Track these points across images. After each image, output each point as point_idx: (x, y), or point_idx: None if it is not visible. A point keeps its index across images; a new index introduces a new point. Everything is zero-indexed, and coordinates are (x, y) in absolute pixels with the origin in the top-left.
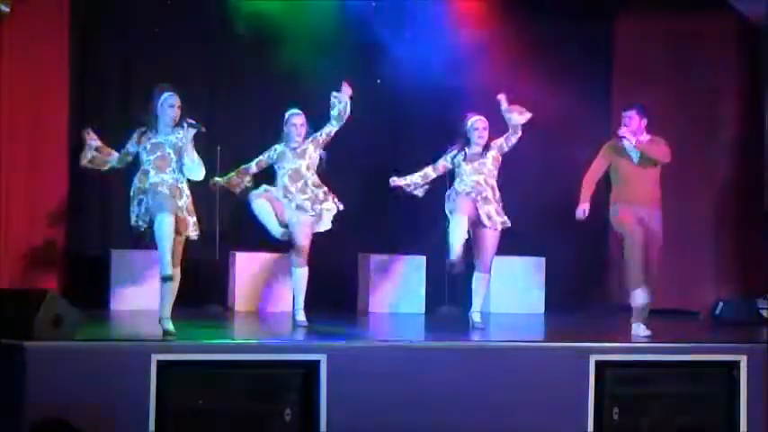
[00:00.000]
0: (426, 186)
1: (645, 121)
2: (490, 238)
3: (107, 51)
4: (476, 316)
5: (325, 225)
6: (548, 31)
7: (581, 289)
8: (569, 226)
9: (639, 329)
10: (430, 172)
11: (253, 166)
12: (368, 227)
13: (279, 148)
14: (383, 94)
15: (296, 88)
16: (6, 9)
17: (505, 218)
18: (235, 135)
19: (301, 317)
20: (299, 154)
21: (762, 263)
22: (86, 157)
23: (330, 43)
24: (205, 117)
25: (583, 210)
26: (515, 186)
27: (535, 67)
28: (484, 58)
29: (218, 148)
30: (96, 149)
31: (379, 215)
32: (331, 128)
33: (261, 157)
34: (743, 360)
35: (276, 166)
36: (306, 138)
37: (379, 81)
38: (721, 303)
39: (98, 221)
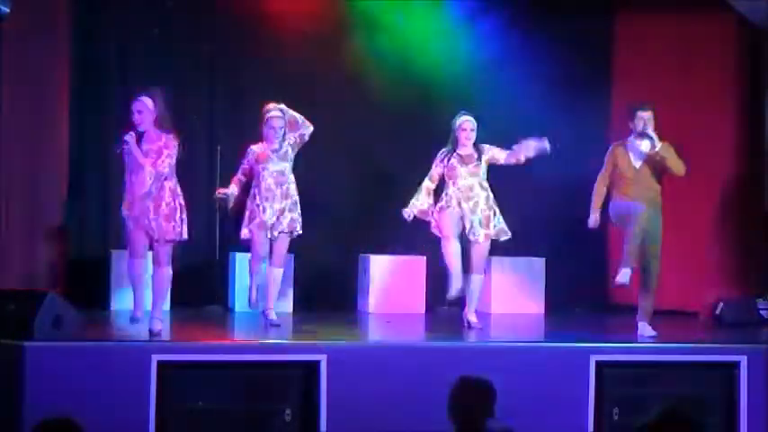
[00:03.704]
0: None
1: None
2: (477, 249)
3: (107, 51)
4: (471, 317)
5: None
6: (547, 32)
7: (581, 289)
8: (569, 226)
9: (645, 329)
10: (430, 185)
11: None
12: (368, 227)
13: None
14: (383, 95)
15: (296, 88)
16: (6, 9)
17: (493, 228)
18: (235, 135)
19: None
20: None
21: (762, 263)
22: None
23: (330, 43)
24: (205, 117)
25: (594, 219)
26: (515, 187)
27: (534, 67)
28: (483, 58)
29: (218, 147)
30: None
31: (379, 215)
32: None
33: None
34: (743, 360)
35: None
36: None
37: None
38: (721, 303)
39: (98, 221)
